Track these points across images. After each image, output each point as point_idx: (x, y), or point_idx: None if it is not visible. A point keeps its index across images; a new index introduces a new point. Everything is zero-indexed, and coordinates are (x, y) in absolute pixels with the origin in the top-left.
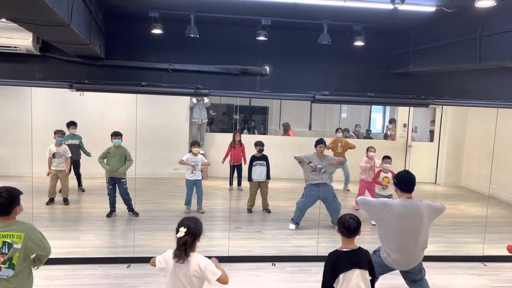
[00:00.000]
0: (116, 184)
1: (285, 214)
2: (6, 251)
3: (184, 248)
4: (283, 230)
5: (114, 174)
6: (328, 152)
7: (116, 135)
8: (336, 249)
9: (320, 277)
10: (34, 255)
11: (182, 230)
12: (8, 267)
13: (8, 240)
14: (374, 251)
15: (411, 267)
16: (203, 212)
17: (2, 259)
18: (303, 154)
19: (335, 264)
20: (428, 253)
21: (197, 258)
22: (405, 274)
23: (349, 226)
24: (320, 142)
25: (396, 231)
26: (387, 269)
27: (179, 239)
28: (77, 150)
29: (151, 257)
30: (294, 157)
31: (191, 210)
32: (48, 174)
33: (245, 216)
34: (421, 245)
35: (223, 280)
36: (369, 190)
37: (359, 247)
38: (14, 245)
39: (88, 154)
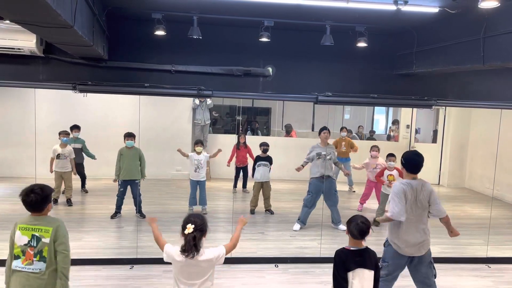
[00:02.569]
0: (128, 186)
1: (288, 215)
2: (35, 244)
3: (194, 243)
4: (286, 232)
5: (127, 176)
6: None
7: (129, 136)
8: (343, 247)
9: (323, 278)
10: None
11: (190, 227)
12: (39, 260)
13: (37, 234)
14: (384, 244)
15: (419, 252)
16: (206, 213)
17: (32, 252)
18: (307, 154)
19: (344, 261)
20: (432, 255)
21: (205, 254)
22: (415, 269)
23: (361, 230)
24: (324, 129)
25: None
26: (401, 259)
27: (187, 235)
28: (79, 153)
29: (155, 258)
30: (303, 163)
31: (194, 211)
32: (51, 172)
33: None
34: (425, 226)
35: (231, 248)
36: (376, 189)
37: (366, 247)
38: (42, 239)
39: (92, 157)
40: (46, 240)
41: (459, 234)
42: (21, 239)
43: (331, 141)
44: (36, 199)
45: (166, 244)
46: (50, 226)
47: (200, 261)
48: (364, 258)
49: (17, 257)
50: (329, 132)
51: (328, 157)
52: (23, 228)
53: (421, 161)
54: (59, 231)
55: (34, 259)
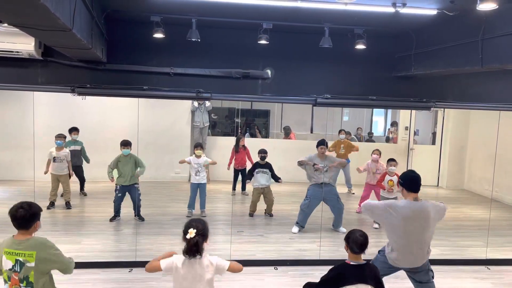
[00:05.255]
0: (127, 192)
1: (288, 218)
2: (18, 270)
3: (196, 248)
4: (286, 234)
5: (126, 182)
6: (331, 154)
7: (125, 145)
8: (345, 261)
9: None
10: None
11: (192, 231)
12: (26, 286)
13: (20, 259)
14: (379, 251)
15: (415, 266)
16: (205, 216)
17: (16, 277)
18: (306, 157)
19: (341, 276)
20: (431, 257)
21: (208, 258)
22: (412, 275)
23: (361, 244)
24: (321, 144)
25: (402, 232)
26: (393, 269)
27: (190, 240)
28: (79, 155)
29: None
30: (298, 162)
31: (193, 213)
32: (45, 173)
33: (247, 220)
34: (426, 246)
35: (234, 268)
36: (375, 193)
37: (366, 262)
38: (27, 264)
39: (87, 160)
40: (31, 264)
41: None
42: (6, 263)
43: (330, 143)
44: (25, 214)
45: (160, 260)
46: (34, 250)
47: (204, 265)
48: (365, 273)
49: (4, 282)
50: (327, 146)
51: (325, 170)
52: (7, 253)
53: (418, 178)
54: (47, 253)
55: (21, 284)
